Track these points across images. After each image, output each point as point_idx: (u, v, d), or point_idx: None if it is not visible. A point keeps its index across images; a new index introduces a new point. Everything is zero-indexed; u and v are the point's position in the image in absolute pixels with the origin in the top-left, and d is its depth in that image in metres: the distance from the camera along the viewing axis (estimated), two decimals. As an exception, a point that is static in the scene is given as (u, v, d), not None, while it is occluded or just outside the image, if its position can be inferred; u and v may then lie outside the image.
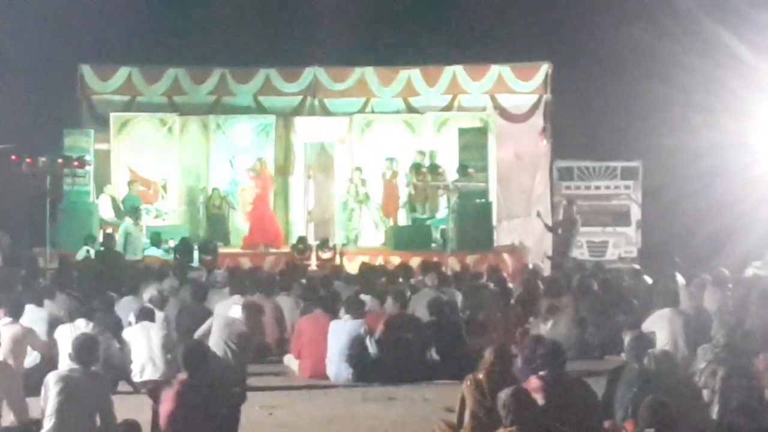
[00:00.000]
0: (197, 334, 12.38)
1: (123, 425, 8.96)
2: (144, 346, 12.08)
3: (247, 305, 13.15)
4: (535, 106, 26.36)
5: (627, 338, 10.21)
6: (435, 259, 20.23)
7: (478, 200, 23.43)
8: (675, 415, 7.55)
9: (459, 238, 22.33)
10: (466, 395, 8.84)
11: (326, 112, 26.58)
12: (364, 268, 18.95)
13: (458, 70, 26.19)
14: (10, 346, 10.83)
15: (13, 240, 22.14)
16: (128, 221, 22.39)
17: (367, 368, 12.98)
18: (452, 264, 20.82)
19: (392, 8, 26.46)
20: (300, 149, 25.92)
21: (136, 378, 11.99)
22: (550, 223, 24.14)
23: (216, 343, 12.10)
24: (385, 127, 25.93)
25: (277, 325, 14.83)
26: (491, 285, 16.98)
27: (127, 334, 12.32)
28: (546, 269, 22.09)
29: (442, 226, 23.09)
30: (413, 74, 26.25)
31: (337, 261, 21.88)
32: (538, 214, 24.13)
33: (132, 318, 12.75)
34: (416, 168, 24.07)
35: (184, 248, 21.26)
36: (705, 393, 9.78)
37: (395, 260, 21.45)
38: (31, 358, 11.70)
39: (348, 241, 23.94)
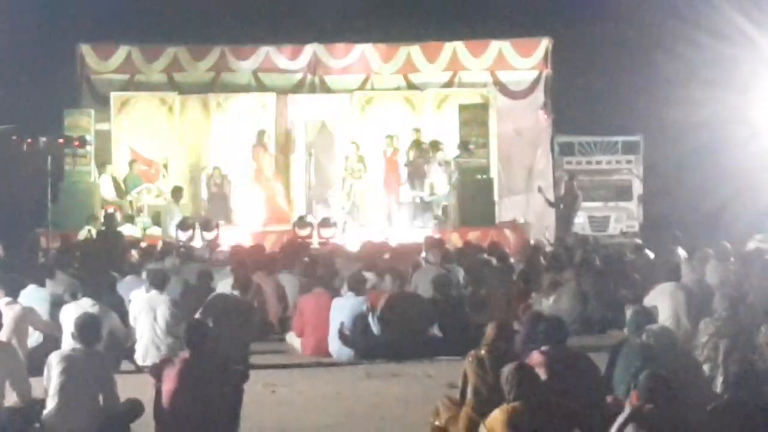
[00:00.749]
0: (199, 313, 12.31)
1: (126, 404, 9.00)
2: (148, 329, 12.11)
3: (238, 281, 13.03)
4: (536, 82, 26.31)
5: (629, 312, 10.22)
6: (437, 235, 20.24)
7: (479, 176, 23.36)
8: (674, 389, 7.56)
9: (460, 214, 22.31)
10: (468, 371, 8.84)
11: (326, 89, 26.54)
12: (368, 245, 18.93)
13: (458, 46, 26.14)
14: (11, 326, 10.82)
15: (14, 220, 22.19)
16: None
17: (369, 345, 12.99)
18: (454, 240, 20.81)
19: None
20: (300, 127, 25.88)
21: (139, 362, 12.02)
22: (551, 198, 24.16)
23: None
24: (385, 103, 25.88)
25: (279, 303, 14.85)
26: (493, 261, 16.97)
27: (133, 308, 12.35)
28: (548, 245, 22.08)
29: (444, 203, 23.08)
30: (413, 50, 26.20)
31: (339, 238, 21.85)
32: (540, 190, 24.12)
33: (138, 291, 12.76)
34: (417, 145, 24.05)
35: (185, 227, 21.29)
36: (707, 367, 9.79)
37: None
38: (34, 338, 11.74)
39: (350, 215, 23.93)
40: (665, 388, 7.50)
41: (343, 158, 24.65)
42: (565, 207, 23.37)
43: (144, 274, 14.10)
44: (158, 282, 12.51)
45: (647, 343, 9.31)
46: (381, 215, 24.44)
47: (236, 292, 12.69)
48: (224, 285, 14.03)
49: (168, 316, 12.10)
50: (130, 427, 9.02)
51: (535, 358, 8.72)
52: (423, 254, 17.67)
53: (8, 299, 11.24)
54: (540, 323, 9.32)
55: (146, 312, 12.19)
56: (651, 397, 7.44)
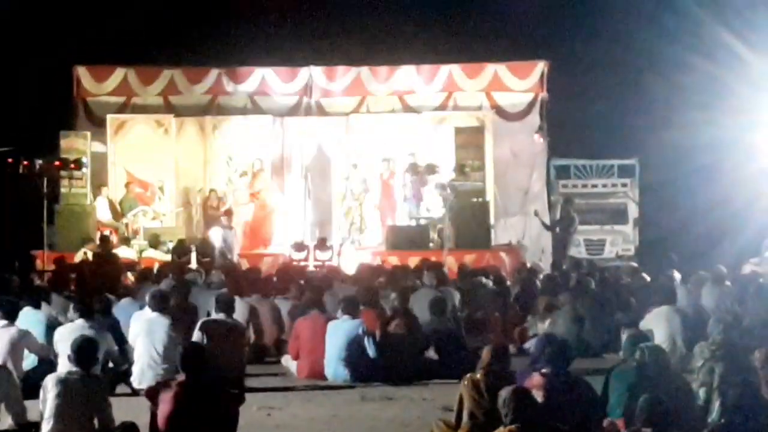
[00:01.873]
0: (195, 337, 12.24)
1: (121, 427, 8.96)
2: (145, 352, 12.04)
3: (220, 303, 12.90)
4: (532, 104, 26.33)
5: (624, 336, 10.21)
6: (433, 258, 20.23)
7: (475, 199, 23.40)
8: (671, 414, 7.56)
9: (456, 237, 22.32)
10: (463, 395, 8.83)
11: (322, 111, 26.56)
12: (363, 268, 18.92)
13: (454, 68, 26.17)
14: (7, 348, 10.83)
15: (10, 242, 22.19)
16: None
17: (365, 368, 12.97)
18: (450, 263, 20.79)
19: (388, 7, 26.41)
20: (296, 149, 25.90)
21: (135, 385, 11.93)
22: (547, 221, 24.14)
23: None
24: (381, 126, 25.89)
25: (275, 326, 14.83)
26: (489, 284, 16.96)
27: (133, 330, 12.29)
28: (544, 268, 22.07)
29: (440, 226, 23.07)
30: (409, 72, 26.23)
31: (335, 261, 21.85)
32: (536, 213, 24.12)
33: (139, 313, 12.69)
34: (413, 168, 24.09)
35: (181, 249, 21.27)
36: (703, 391, 9.77)
37: (393, 260, 21.44)
38: (30, 360, 11.68)
39: (351, 240, 23.96)
40: (663, 412, 7.50)
41: (344, 179, 24.68)
42: (561, 230, 23.35)
43: (146, 297, 14.02)
44: (159, 304, 12.46)
45: (642, 363, 9.28)
46: (377, 238, 24.46)
47: (221, 315, 12.57)
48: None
49: (166, 340, 12.03)
50: (125, 450, 8.99)
51: (536, 380, 8.69)
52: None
53: (4, 322, 11.23)
54: (548, 345, 9.27)
55: (145, 334, 12.13)
56: (649, 421, 7.44)
